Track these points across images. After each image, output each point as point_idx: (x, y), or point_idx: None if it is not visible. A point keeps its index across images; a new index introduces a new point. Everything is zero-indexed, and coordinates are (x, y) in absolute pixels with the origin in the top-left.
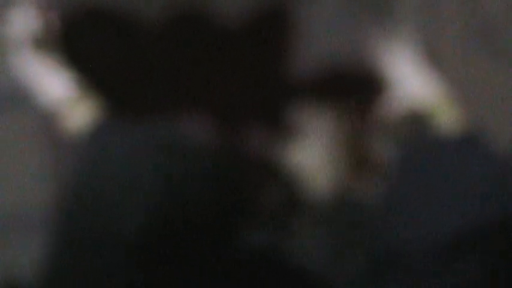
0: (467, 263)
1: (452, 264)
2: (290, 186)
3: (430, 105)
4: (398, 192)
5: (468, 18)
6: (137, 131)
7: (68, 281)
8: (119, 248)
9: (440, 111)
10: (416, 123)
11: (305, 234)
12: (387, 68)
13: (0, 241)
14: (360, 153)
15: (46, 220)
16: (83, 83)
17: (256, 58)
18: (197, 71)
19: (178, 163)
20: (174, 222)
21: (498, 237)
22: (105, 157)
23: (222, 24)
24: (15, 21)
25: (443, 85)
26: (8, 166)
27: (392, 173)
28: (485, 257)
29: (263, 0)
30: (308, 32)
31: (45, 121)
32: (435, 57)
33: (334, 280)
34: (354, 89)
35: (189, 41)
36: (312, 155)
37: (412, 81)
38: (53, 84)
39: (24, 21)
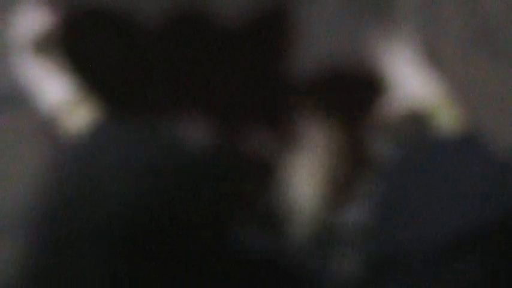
0: (467, 263)
1: (452, 264)
2: (287, 186)
3: (430, 105)
4: (398, 192)
5: (468, 18)
6: (137, 131)
7: (52, 273)
8: (103, 239)
9: (440, 111)
10: (416, 123)
11: (302, 234)
12: (387, 68)
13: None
14: (359, 154)
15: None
16: (83, 83)
17: (256, 58)
18: (197, 71)
19: (177, 162)
20: (163, 218)
21: (498, 237)
22: (105, 156)
23: (222, 24)
24: (16, 23)
25: (443, 85)
26: (7, 166)
27: (393, 173)
28: (485, 257)
29: (263, 0)
30: (308, 32)
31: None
32: (435, 57)
33: (334, 280)
34: (354, 89)
35: (189, 41)
36: (309, 158)
37: (412, 81)
38: (53, 86)
39: (26, 23)
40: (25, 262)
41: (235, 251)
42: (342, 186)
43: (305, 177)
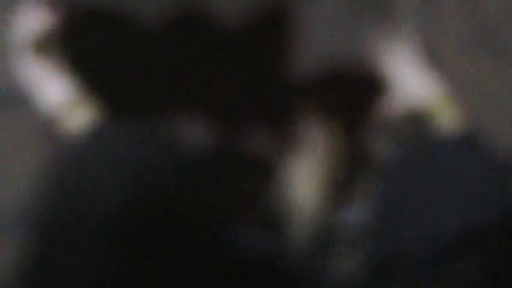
0: (467, 263)
1: (452, 264)
2: (287, 186)
3: (430, 105)
4: (398, 192)
5: (468, 18)
6: (137, 131)
7: (51, 271)
8: (102, 239)
9: (440, 111)
10: (416, 123)
11: (302, 234)
12: (387, 68)
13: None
14: (359, 154)
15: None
16: (83, 83)
17: (256, 58)
18: (197, 71)
19: (177, 162)
20: (163, 218)
21: (498, 237)
22: (104, 156)
23: (222, 24)
24: (16, 23)
25: (443, 85)
26: (7, 166)
27: (393, 173)
28: (485, 257)
29: (263, 0)
30: (308, 32)
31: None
32: (435, 57)
33: (334, 280)
34: (354, 89)
35: (189, 41)
36: (309, 158)
37: (412, 81)
38: (53, 86)
39: (26, 23)
40: (24, 261)
41: (235, 251)
42: (342, 186)
43: (305, 178)
